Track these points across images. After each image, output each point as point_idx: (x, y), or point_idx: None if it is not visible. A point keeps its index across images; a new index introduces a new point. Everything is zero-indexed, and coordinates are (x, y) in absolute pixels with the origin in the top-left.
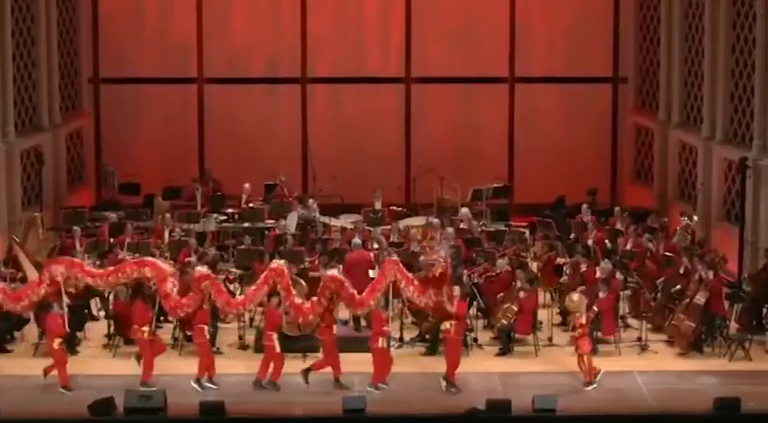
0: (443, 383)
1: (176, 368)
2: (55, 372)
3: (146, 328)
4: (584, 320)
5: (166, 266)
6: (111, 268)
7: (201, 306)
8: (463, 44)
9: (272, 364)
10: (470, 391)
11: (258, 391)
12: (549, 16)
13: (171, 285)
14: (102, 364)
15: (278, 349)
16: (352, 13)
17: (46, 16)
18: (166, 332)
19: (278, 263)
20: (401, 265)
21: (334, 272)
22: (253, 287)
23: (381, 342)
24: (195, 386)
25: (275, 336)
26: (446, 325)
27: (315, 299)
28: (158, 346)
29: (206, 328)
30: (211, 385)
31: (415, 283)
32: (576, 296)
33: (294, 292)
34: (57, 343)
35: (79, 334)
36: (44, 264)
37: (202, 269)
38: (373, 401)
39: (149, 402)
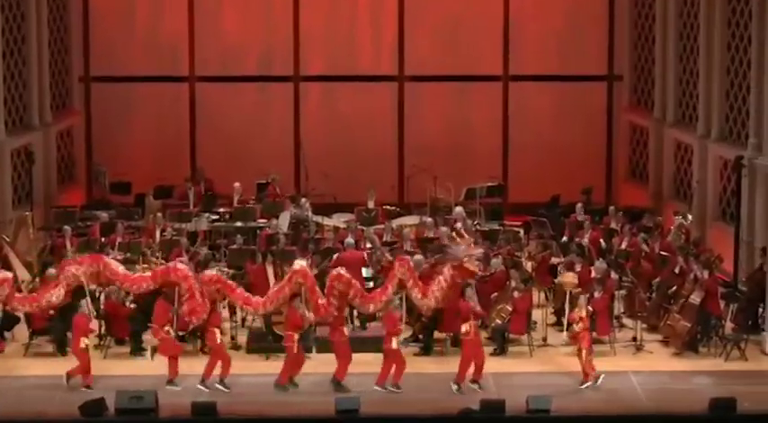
0: (454, 386)
1: (166, 368)
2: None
3: (167, 328)
4: (584, 314)
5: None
6: (139, 275)
7: (214, 309)
8: (456, 42)
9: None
10: (464, 391)
11: (251, 392)
12: (543, 13)
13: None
14: (92, 365)
15: (296, 350)
16: (345, 11)
17: (36, 14)
18: None
19: (300, 264)
20: (411, 264)
21: (341, 270)
22: (275, 288)
23: (394, 342)
24: (220, 387)
25: (296, 337)
26: (466, 327)
27: (324, 300)
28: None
29: (218, 331)
30: (204, 388)
31: (420, 285)
32: (570, 274)
33: (318, 293)
34: (83, 343)
35: (70, 334)
36: (36, 264)
37: (212, 272)
38: (366, 402)
39: (140, 403)
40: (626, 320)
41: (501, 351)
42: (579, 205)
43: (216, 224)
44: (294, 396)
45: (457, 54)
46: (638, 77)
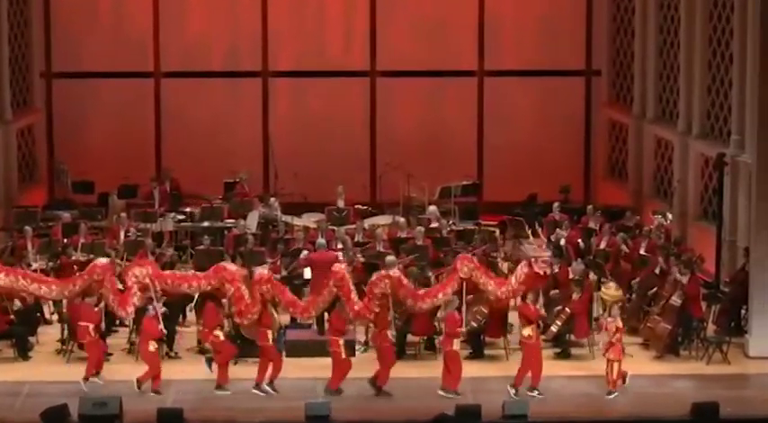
0: (512, 390)
1: (132, 373)
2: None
3: (217, 332)
4: (620, 323)
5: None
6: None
7: (265, 309)
8: (431, 36)
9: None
10: (439, 396)
11: (218, 398)
12: (519, 7)
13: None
14: (55, 370)
15: (344, 355)
16: (315, 4)
17: None
18: (122, 337)
19: (339, 267)
20: (476, 260)
21: (395, 270)
22: (313, 295)
23: (455, 344)
24: (256, 392)
25: (341, 341)
26: (529, 331)
27: (365, 301)
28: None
29: (270, 332)
30: (270, 390)
31: (494, 277)
32: (612, 285)
33: (354, 298)
34: (152, 346)
35: (31, 338)
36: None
37: (263, 271)
38: (338, 408)
39: (104, 409)
40: None
41: (477, 354)
42: (556, 204)
43: (182, 224)
44: (262, 401)
45: (431, 48)
46: (617, 72)
